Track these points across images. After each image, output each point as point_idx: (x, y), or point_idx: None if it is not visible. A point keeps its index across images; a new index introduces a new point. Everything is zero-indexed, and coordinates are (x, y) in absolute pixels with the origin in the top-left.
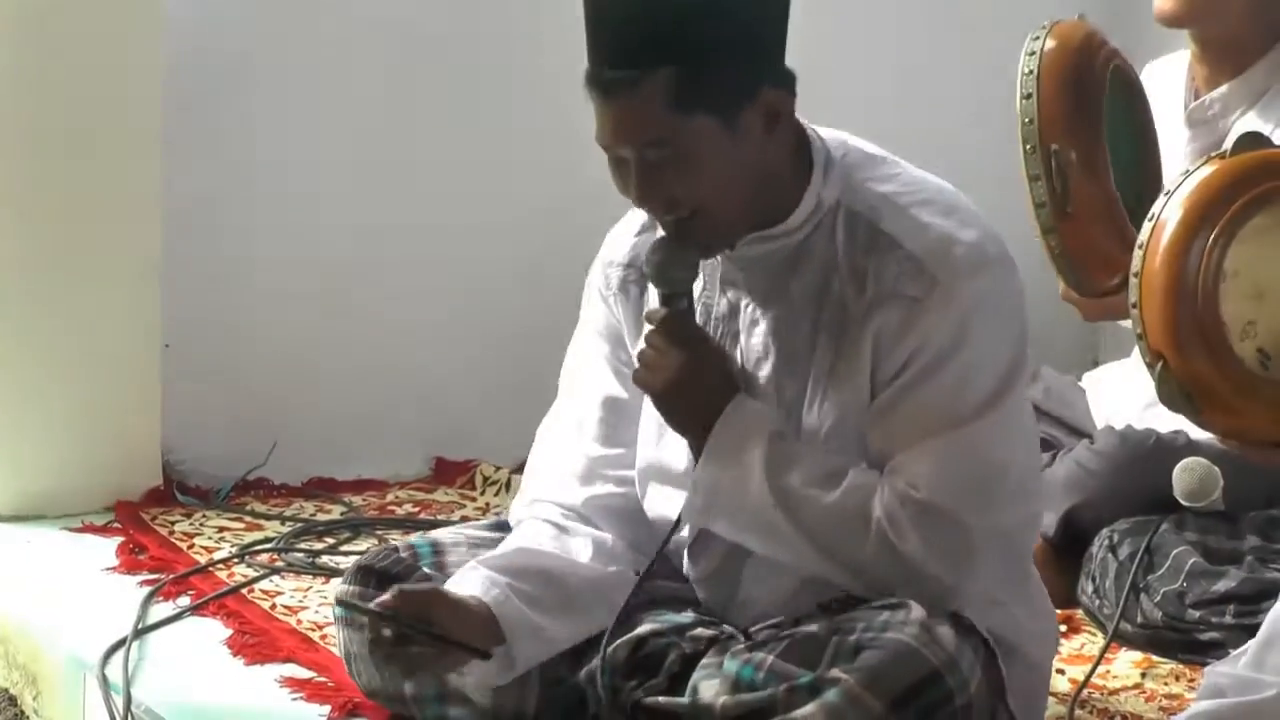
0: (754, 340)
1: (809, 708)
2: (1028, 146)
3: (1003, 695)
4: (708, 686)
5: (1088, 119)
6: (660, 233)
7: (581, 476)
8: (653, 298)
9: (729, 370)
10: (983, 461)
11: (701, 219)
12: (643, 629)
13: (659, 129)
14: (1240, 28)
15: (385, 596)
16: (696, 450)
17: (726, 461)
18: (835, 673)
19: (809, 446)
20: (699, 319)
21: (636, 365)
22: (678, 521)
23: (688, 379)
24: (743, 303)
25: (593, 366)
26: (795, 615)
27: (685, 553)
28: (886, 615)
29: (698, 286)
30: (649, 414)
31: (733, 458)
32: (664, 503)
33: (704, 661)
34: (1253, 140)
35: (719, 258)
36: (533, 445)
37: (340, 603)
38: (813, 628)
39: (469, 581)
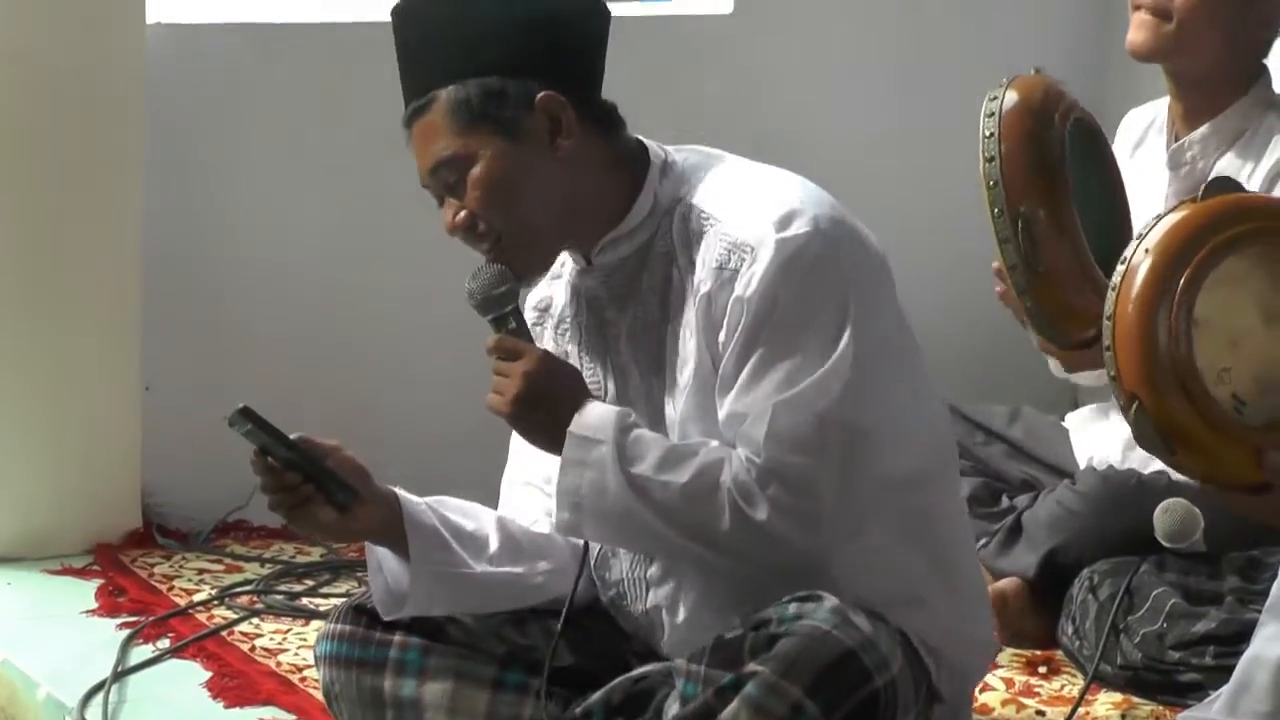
0: (621, 347)
1: (733, 705)
2: (995, 210)
3: (934, 693)
4: (668, 711)
5: (1053, 176)
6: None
7: (536, 494)
8: (549, 334)
9: (574, 378)
10: (819, 420)
11: (509, 239)
12: (635, 672)
13: (444, 147)
14: (1216, 67)
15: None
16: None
17: (581, 465)
18: (753, 666)
19: (659, 436)
20: (573, 340)
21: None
22: (586, 549)
23: (531, 393)
24: (606, 314)
25: None
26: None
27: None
28: (797, 606)
29: (571, 310)
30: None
31: (586, 460)
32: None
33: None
34: (1224, 185)
35: (580, 276)
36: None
37: (228, 419)
38: (734, 632)
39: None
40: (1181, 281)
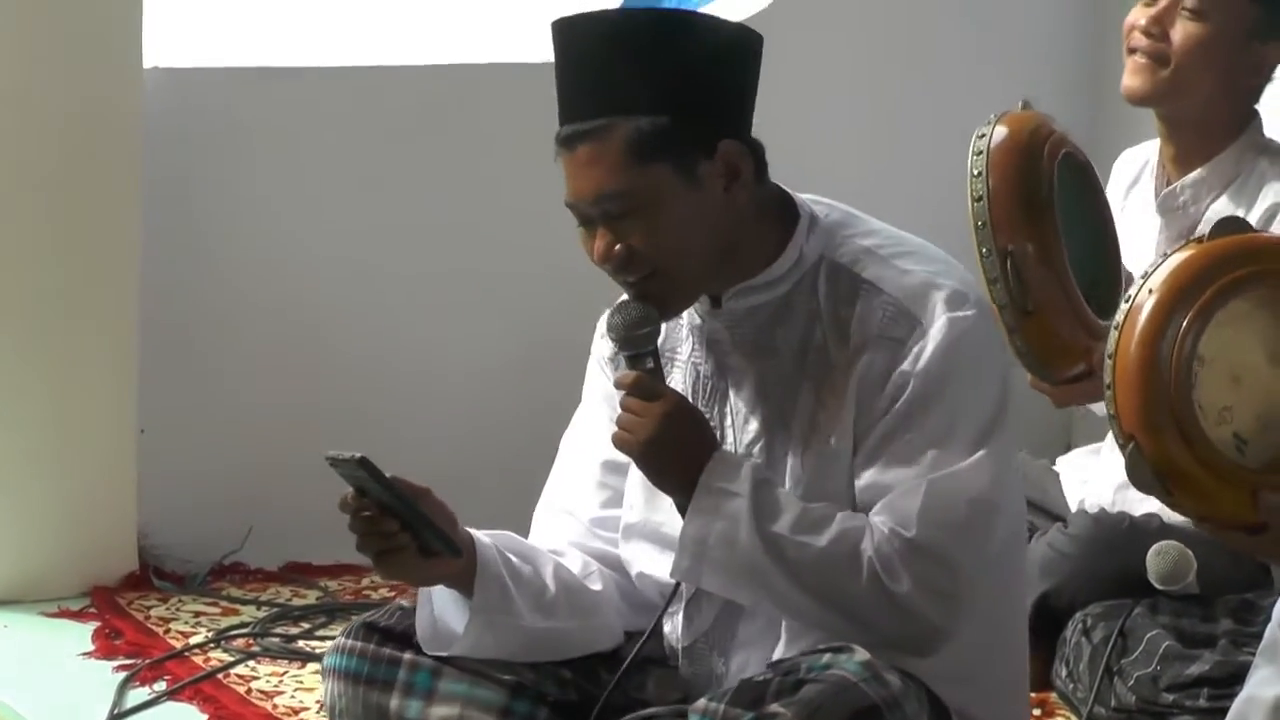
0: (743, 395)
1: None
2: (983, 250)
3: None
4: None
5: (1041, 214)
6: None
7: (580, 534)
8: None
9: (705, 425)
10: (972, 501)
11: (660, 278)
12: (649, 711)
13: (618, 180)
14: (1209, 111)
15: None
16: (682, 507)
17: (713, 514)
18: (775, 708)
19: (793, 495)
20: (688, 380)
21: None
22: (678, 585)
23: (665, 436)
24: (729, 360)
25: (591, 431)
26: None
27: (679, 617)
28: (829, 656)
29: (685, 349)
30: (635, 476)
31: (719, 510)
32: (652, 563)
33: None
34: (1230, 225)
35: (704, 318)
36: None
37: (329, 457)
38: (761, 676)
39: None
40: (1185, 321)
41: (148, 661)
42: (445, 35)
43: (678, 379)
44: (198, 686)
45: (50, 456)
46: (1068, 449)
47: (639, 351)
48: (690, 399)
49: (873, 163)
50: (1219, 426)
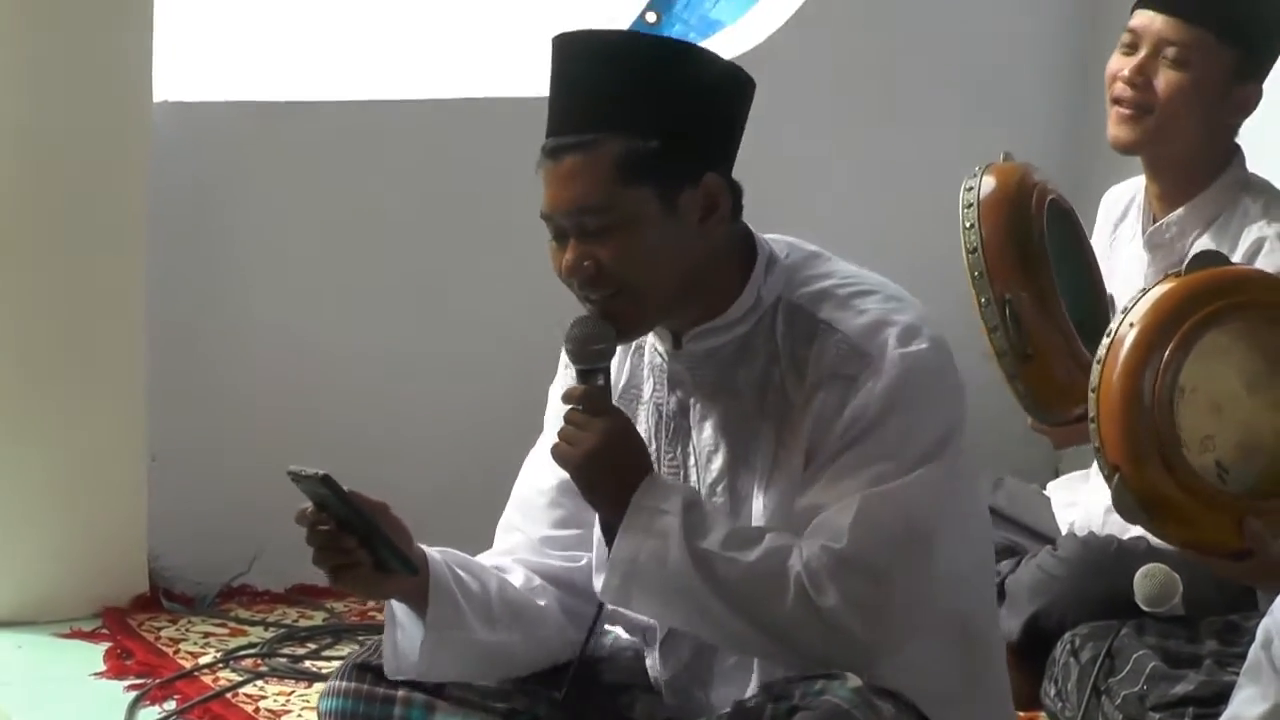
0: (704, 435)
1: None
2: (982, 299)
3: None
4: None
5: (1034, 261)
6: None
7: (528, 550)
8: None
9: (644, 451)
10: (906, 519)
11: (623, 298)
12: None
13: (600, 194)
14: (1193, 152)
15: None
16: (609, 528)
17: (644, 533)
18: None
19: (724, 515)
20: (650, 420)
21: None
22: (600, 609)
23: (605, 451)
24: (691, 400)
25: (548, 452)
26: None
27: (655, 653)
28: (823, 683)
29: (648, 389)
30: None
31: (650, 528)
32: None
33: None
34: (1208, 259)
35: (666, 358)
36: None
37: (291, 472)
38: (754, 700)
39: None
40: (1166, 353)
41: (158, 681)
42: (450, 69)
43: (641, 418)
44: (207, 705)
45: (64, 484)
46: (1056, 474)
47: (591, 367)
48: (654, 438)
49: (860, 205)
50: (1201, 455)
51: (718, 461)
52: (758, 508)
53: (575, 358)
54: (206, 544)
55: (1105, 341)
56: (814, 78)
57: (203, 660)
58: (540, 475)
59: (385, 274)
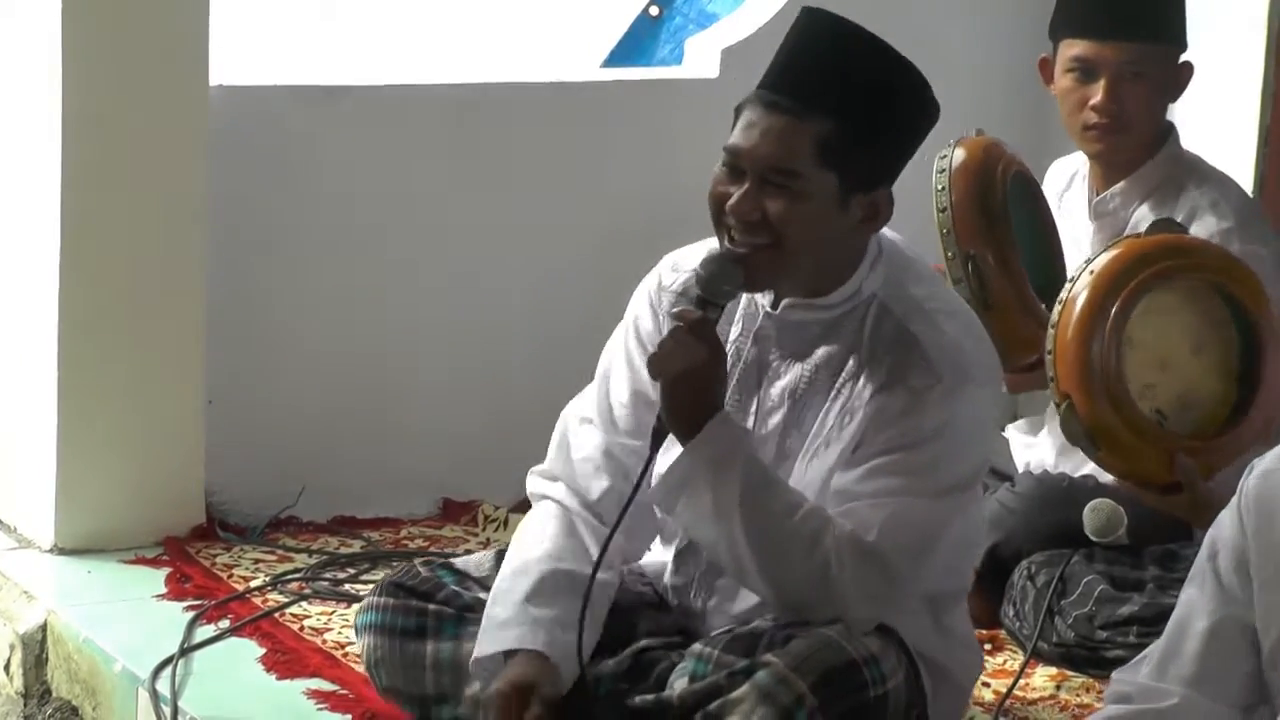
0: (772, 391)
1: (743, 688)
2: (949, 254)
3: (923, 707)
4: (673, 684)
5: (997, 223)
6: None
7: (601, 466)
8: None
9: (724, 387)
10: (927, 535)
11: (771, 253)
12: (641, 643)
13: (796, 162)
14: (1145, 139)
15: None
16: (683, 438)
17: (708, 459)
18: (767, 657)
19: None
20: (730, 361)
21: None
22: (635, 487)
23: (699, 373)
24: (770, 358)
25: (629, 364)
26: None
27: (671, 557)
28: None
29: (734, 331)
30: None
31: (714, 457)
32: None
33: (677, 666)
34: (1165, 225)
35: (761, 312)
36: (556, 427)
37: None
38: (753, 627)
39: (520, 631)
40: (1117, 302)
41: (213, 603)
42: (504, 53)
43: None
44: (257, 624)
45: (130, 426)
46: (1014, 418)
47: (712, 301)
48: (727, 377)
49: None
50: (1141, 400)
51: (775, 419)
52: (796, 471)
53: (703, 287)
54: (257, 480)
55: (1067, 286)
56: None
57: (253, 584)
58: (620, 382)
59: (437, 251)
